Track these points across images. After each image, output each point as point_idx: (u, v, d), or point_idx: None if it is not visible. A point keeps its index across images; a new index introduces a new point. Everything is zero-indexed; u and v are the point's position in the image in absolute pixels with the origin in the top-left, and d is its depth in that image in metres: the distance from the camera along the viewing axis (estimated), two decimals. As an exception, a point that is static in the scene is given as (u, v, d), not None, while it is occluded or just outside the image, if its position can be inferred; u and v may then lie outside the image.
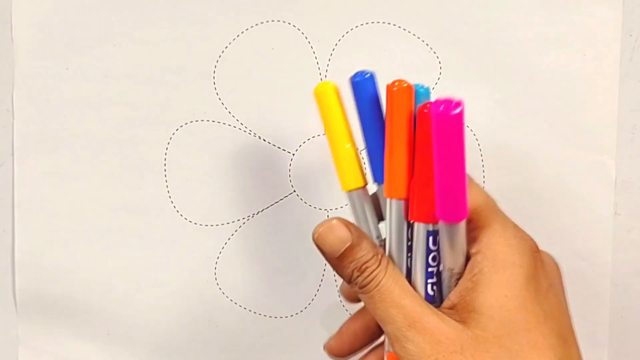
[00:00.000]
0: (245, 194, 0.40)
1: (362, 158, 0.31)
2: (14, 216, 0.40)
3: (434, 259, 0.30)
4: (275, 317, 0.40)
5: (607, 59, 0.39)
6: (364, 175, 0.31)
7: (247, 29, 0.39)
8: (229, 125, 0.39)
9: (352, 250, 0.29)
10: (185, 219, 0.40)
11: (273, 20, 0.39)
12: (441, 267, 0.30)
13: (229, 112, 0.39)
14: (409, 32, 0.39)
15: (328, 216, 0.39)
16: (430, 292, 0.30)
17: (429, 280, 0.30)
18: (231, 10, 0.39)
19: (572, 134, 0.39)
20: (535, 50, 0.38)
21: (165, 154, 0.40)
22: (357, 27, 0.38)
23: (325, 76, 0.39)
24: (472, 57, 0.39)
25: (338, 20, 0.39)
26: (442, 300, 0.30)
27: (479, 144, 0.39)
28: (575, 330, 0.30)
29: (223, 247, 0.40)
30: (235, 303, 0.40)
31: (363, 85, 0.30)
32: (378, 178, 0.30)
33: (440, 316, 0.28)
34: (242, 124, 0.39)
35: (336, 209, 0.39)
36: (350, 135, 0.31)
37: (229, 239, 0.40)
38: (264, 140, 0.39)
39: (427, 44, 0.39)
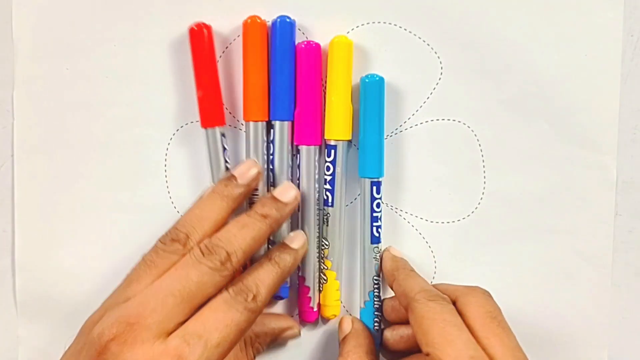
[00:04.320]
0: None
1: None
2: (14, 216, 0.40)
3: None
4: (276, 318, 0.40)
5: (608, 60, 0.39)
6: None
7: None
8: (229, 125, 0.39)
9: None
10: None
11: (273, 21, 0.38)
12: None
13: (229, 113, 0.39)
14: (410, 32, 0.38)
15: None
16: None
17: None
18: (231, 10, 0.38)
19: (573, 134, 0.39)
20: (536, 51, 0.38)
21: (166, 155, 0.40)
22: (357, 27, 0.38)
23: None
24: (473, 58, 0.39)
25: (339, 20, 0.38)
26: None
27: (480, 144, 0.39)
28: None
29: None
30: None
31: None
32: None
33: None
34: (242, 124, 0.39)
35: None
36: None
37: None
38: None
39: (428, 44, 0.38)
